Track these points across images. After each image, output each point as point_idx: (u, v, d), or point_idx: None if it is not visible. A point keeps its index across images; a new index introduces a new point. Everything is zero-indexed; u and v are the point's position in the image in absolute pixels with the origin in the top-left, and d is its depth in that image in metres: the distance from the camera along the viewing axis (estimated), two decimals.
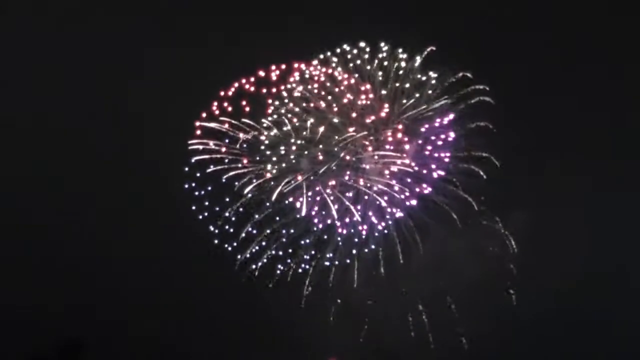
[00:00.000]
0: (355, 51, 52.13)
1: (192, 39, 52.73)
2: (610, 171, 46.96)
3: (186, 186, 49.72)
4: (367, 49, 52.24)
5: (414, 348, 48.32)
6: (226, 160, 50.01)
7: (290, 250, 50.20)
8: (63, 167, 51.38)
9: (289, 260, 50.20)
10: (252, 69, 50.54)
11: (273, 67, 51.51)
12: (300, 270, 50.07)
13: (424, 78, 51.78)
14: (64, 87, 52.19)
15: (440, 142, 51.07)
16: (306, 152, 50.06)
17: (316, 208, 50.09)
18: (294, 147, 50.02)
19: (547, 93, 49.92)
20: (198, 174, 49.79)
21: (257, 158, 50.58)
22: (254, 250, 50.00)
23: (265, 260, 50.16)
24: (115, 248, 50.45)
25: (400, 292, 49.74)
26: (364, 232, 50.07)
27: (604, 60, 49.47)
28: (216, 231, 49.68)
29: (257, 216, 50.08)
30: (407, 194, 50.01)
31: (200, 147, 49.88)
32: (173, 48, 52.59)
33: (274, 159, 50.07)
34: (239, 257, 49.96)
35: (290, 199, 49.95)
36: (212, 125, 50.49)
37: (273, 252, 50.18)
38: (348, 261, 49.84)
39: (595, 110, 48.97)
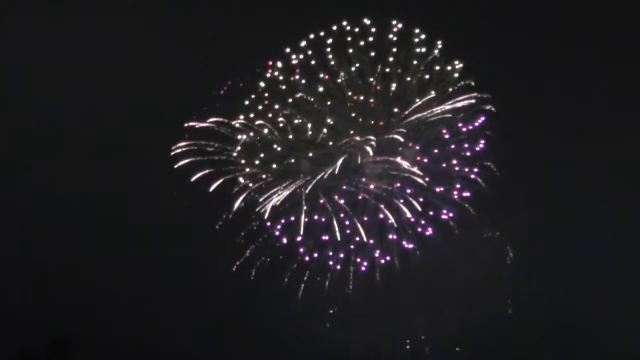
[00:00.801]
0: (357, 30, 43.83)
1: (190, 37, 51.95)
2: (608, 180, 46.44)
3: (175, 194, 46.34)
4: (373, 29, 43.54)
5: (409, 354, 46.67)
6: (218, 163, 45.17)
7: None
8: (55, 166, 51.18)
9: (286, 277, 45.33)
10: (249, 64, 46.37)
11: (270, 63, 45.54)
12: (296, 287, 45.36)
13: (448, 68, 43.42)
14: (61, 87, 51.94)
15: (468, 153, 43.60)
16: (293, 160, 44.35)
17: (299, 238, 43.55)
18: (287, 150, 44.42)
19: (547, 99, 48.99)
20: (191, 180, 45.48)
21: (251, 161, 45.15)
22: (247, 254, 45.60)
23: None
24: (108, 247, 50.07)
25: (397, 298, 45.54)
26: (363, 267, 43.96)
27: (603, 62, 48.49)
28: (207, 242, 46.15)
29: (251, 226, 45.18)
30: (422, 222, 42.98)
31: (195, 147, 45.60)
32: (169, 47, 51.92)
33: (265, 160, 44.72)
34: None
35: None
36: (203, 124, 45.82)
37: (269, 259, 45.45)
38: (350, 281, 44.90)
39: (595, 121, 47.93)
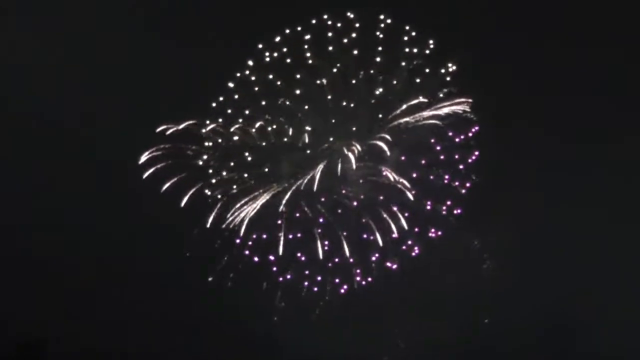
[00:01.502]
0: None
1: (190, 37, 51.85)
2: (608, 180, 46.35)
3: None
4: (357, 25, 40.44)
5: None
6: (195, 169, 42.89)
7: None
8: (55, 166, 51.37)
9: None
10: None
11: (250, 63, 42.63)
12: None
13: (442, 70, 40.97)
14: (61, 87, 52.04)
15: (461, 166, 41.43)
16: (267, 169, 41.80)
17: (271, 258, 41.04)
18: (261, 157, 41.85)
19: (547, 99, 48.80)
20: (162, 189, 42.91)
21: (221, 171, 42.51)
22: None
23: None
24: (82, 249, 50.04)
25: (375, 308, 43.15)
26: (342, 290, 41.62)
27: (603, 62, 48.35)
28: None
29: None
30: (409, 242, 40.77)
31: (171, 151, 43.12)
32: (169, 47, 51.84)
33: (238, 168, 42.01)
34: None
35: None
36: (176, 128, 43.04)
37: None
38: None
39: (595, 121, 47.73)
